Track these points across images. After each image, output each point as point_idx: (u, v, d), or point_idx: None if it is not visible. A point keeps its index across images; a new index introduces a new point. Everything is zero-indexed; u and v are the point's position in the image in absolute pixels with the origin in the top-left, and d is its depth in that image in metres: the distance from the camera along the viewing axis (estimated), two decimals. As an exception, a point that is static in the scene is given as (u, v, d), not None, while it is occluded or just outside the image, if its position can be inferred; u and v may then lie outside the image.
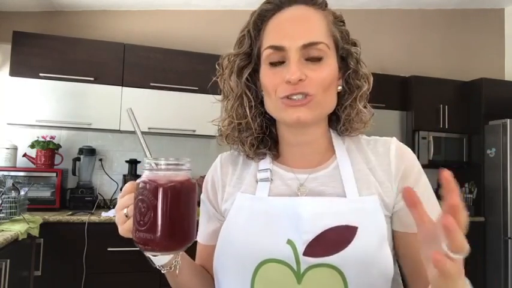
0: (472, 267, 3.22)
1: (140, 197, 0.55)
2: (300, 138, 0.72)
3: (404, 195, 0.48)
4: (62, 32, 2.92)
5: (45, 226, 2.30)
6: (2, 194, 2.06)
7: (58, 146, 2.88)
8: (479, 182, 3.37)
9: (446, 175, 0.43)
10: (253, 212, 0.68)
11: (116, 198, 2.99)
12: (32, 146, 2.78)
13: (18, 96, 2.65)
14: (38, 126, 2.78)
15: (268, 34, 0.69)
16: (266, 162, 0.74)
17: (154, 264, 0.64)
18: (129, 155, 3.07)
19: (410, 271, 0.69)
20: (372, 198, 0.66)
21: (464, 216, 0.43)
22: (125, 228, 0.59)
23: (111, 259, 2.42)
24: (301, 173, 0.72)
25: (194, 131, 2.94)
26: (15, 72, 2.65)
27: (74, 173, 2.84)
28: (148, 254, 0.61)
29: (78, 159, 2.86)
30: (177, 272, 0.66)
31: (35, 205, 2.53)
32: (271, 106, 0.70)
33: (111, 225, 2.88)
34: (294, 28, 0.66)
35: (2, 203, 2.04)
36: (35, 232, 2.11)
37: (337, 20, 0.72)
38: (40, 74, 2.67)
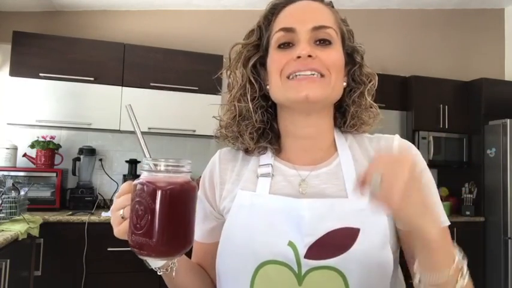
0: (472, 267, 3.21)
1: (138, 199, 0.52)
2: (302, 130, 0.71)
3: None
4: (62, 32, 2.92)
5: (45, 226, 2.30)
6: (2, 194, 2.06)
7: (58, 146, 2.88)
8: (479, 182, 3.36)
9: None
10: (253, 211, 0.68)
11: (116, 198, 2.99)
12: (32, 146, 2.78)
13: (18, 96, 2.65)
14: (38, 126, 2.78)
15: (279, 21, 0.70)
16: (267, 157, 0.73)
17: (150, 266, 0.63)
18: (129, 155, 3.07)
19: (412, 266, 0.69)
20: None
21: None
22: (121, 230, 0.56)
23: (111, 259, 2.42)
24: (303, 169, 0.71)
25: (194, 131, 2.94)
26: (15, 72, 2.65)
27: (74, 173, 2.84)
28: (143, 258, 0.59)
29: (78, 159, 2.86)
30: (173, 274, 0.65)
31: (35, 205, 2.52)
32: (276, 87, 0.69)
33: (111, 226, 2.89)
34: (304, 13, 0.69)
35: (2, 203, 2.04)
36: (35, 232, 2.11)
37: (343, 20, 0.74)
38: (40, 74, 2.67)
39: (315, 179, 0.70)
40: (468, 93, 3.51)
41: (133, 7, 3.23)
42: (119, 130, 2.82)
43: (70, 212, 2.57)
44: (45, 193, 2.66)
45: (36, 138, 2.82)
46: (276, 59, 0.68)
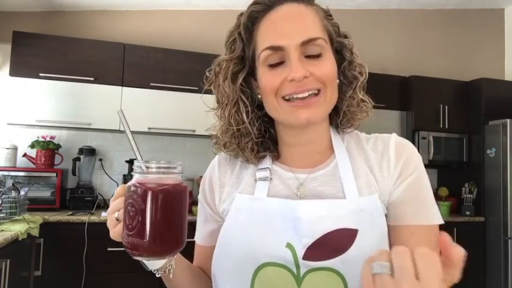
0: (472, 267, 3.22)
1: (129, 201, 0.53)
2: (299, 139, 0.71)
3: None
4: (62, 32, 2.92)
5: (45, 226, 2.30)
6: (2, 194, 2.06)
7: (58, 146, 2.88)
8: (479, 182, 3.36)
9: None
10: (251, 214, 0.68)
11: (116, 199, 2.99)
12: (32, 146, 2.78)
13: (18, 96, 2.65)
14: (38, 126, 2.78)
15: (263, 35, 0.66)
16: (266, 162, 0.73)
17: (148, 269, 0.63)
18: (129, 155, 3.07)
19: None
20: (372, 198, 0.66)
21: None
22: (115, 232, 0.57)
23: (111, 259, 2.42)
24: (301, 172, 0.71)
25: (194, 131, 2.94)
26: (15, 72, 2.65)
27: (74, 173, 2.84)
28: (137, 259, 0.60)
29: (78, 159, 2.86)
30: (170, 276, 0.65)
31: (35, 205, 2.53)
32: (273, 109, 0.67)
33: (111, 225, 2.84)
34: (290, 26, 0.64)
35: (2, 203, 2.04)
36: (35, 232, 2.11)
37: (327, 14, 0.71)
38: (40, 74, 2.67)
39: (312, 182, 0.70)
40: (468, 93, 3.51)
41: (134, 7, 3.23)
42: (119, 130, 2.81)
43: (70, 212, 2.57)
44: (45, 193, 2.67)
45: (36, 138, 2.82)
46: (268, 80, 0.65)
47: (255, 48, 0.68)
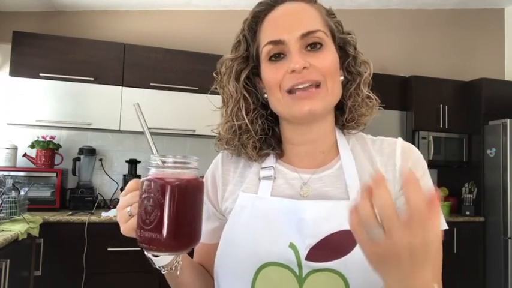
0: (472, 267, 3.22)
1: (146, 195, 0.52)
2: (304, 136, 0.71)
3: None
4: (62, 32, 2.92)
5: (45, 226, 2.30)
6: (2, 194, 2.06)
7: (58, 146, 2.88)
8: (479, 182, 3.36)
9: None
10: (255, 213, 0.68)
11: (116, 198, 2.99)
12: (32, 146, 2.78)
13: (18, 96, 2.65)
14: (38, 126, 2.78)
15: (264, 32, 0.69)
16: (270, 160, 0.73)
17: (155, 265, 0.63)
18: (129, 155, 3.07)
19: None
20: None
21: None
22: (128, 227, 0.57)
23: (111, 259, 2.42)
24: (305, 172, 0.71)
25: (194, 131, 2.94)
26: (15, 72, 2.65)
27: (74, 173, 2.84)
28: (150, 254, 0.59)
29: (78, 159, 2.86)
30: (178, 272, 0.65)
31: (35, 205, 2.52)
32: (277, 103, 0.68)
33: (111, 225, 2.87)
34: (290, 21, 0.66)
35: (2, 203, 2.04)
36: (35, 232, 2.11)
37: (329, 13, 0.72)
38: (40, 74, 2.67)
39: (316, 182, 0.70)
40: (468, 93, 3.51)
41: (134, 7, 3.23)
42: (119, 130, 2.82)
43: (70, 212, 2.57)
44: (45, 193, 2.67)
45: (36, 138, 2.82)
46: (270, 74, 0.67)
47: (258, 46, 0.70)
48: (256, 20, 0.71)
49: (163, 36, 3.24)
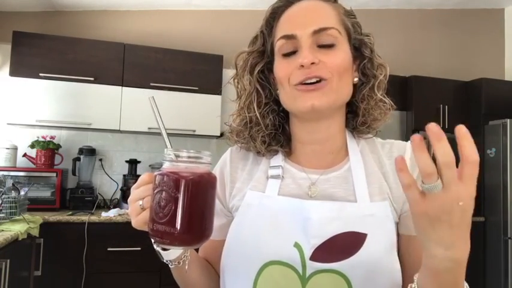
0: (472, 267, 3.22)
1: (159, 189, 0.53)
2: (312, 135, 0.71)
3: (396, 162, 0.46)
4: (62, 32, 2.92)
5: (45, 226, 2.30)
6: (2, 194, 2.06)
7: (58, 146, 2.88)
8: (479, 182, 3.27)
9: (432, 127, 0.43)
10: (261, 211, 0.68)
11: (116, 198, 2.99)
12: (32, 146, 2.78)
13: (18, 96, 2.65)
14: (38, 126, 2.78)
15: (280, 27, 0.70)
16: (278, 159, 0.73)
17: (163, 259, 0.63)
18: (129, 155, 3.07)
19: (408, 273, 0.68)
20: (383, 204, 0.65)
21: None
22: (140, 220, 0.56)
23: (111, 259, 2.42)
24: (313, 173, 0.71)
25: (194, 131, 2.94)
26: (15, 72, 2.65)
27: (74, 173, 2.84)
28: (160, 248, 0.59)
29: (78, 159, 2.86)
30: (186, 267, 0.65)
31: (35, 205, 2.52)
32: (285, 97, 0.69)
33: (111, 225, 2.87)
34: (304, 17, 0.67)
35: (2, 203, 2.04)
36: (35, 232, 2.11)
37: (348, 13, 0.72)
38: (40, 74, 2.67)
39: (324, 183, 0.69)
40: (468, 93, 3.51)
41: (134, 7, 3.23)
42: (119, 130, 2.82)
43: (70, 212, 2.57)
44: (45, 193, 2.67)
45: (36, 138, 2.82)
46: (281, 68, 0.68)
47: (273, 41, 0.71)
48: (274, 15, 0.72)
49: (163, 36, 3.24)
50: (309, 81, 0.64)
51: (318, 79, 0.64)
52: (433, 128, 0.43)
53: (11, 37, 2.68)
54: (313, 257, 0.62)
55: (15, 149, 2.74)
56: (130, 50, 2.87)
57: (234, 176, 0.76)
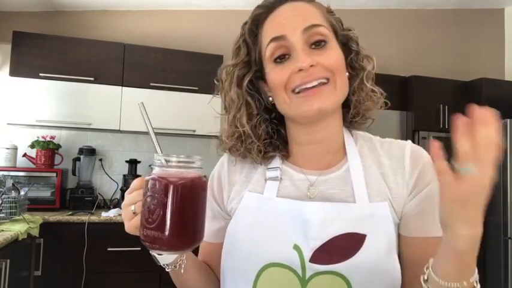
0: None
1: (149, 194, 0.53)
2: (311, 136, 0.70)
3: (431, 147, 0.49)
4: (62, 32, 2.92)
5: (45, 226, 2.30)
6: (2, 194, 2.06)
7: (58, 146, 2.88)
8: (479, 182, 3.35)
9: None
10: (260, 213, 0.67)
11: (116, 198, 2.99)
12: (32, 146, 2.78)
13: (18, 96, 2.65)
14: (38, 126, 2.78)
15: (266, 32, 0.68)
16: (276, 161, 0.73)
17: (159, 263, 0.63)
18: (129, 155, 3.07)
19: (407, 273, 0.68)
20: (383, 204, 0.65)
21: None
22: (132, 225, 0.57)
23: (111, 259, 2.42)
24: (311, 174, 0.70)
25: (194, 131, 2.94)
26: (15, 72, 2.65)
27: (74, 173, 2.84)
28: (154, 253, 0.59)
29: (78, 159, 2.86)
30: (182, 271, 0.65)
31: (35, 205, 2.53)
32: (284, 105, 0.67)
33: (111, 225, 2.87)
34: (291, 17, 0.66)
35: (2, 203, 2.04)
36: (35, 232, 2.11)
37: (328, 11, 0.72)
38: (40, 74, 2.67)
39: (323, 184, 0.69)
40: (468, 93, 3.50)
41: (134, 7, 3.23)
42: (119, 130, 2.82)
43: (70, 212, 2.57)
44: (45, 193, 2.67)
45: (36, 138, 2.82)
46: (276, 76, 0.66)
47: (260, 48, 0.69)
48: (256, 23, 0.70)
49: (163, 36, 3.24)
50: (310, 85, 0.63)
51: (318, 81, 0.63)
52: (480, 111, 0.48)
53: (11, 37, 2.67)
54: (313, 259, 0.61)
55: (15, 149, 2.74)
56: (130, 50, 2.87)
57: (232, 179, 0.75)
